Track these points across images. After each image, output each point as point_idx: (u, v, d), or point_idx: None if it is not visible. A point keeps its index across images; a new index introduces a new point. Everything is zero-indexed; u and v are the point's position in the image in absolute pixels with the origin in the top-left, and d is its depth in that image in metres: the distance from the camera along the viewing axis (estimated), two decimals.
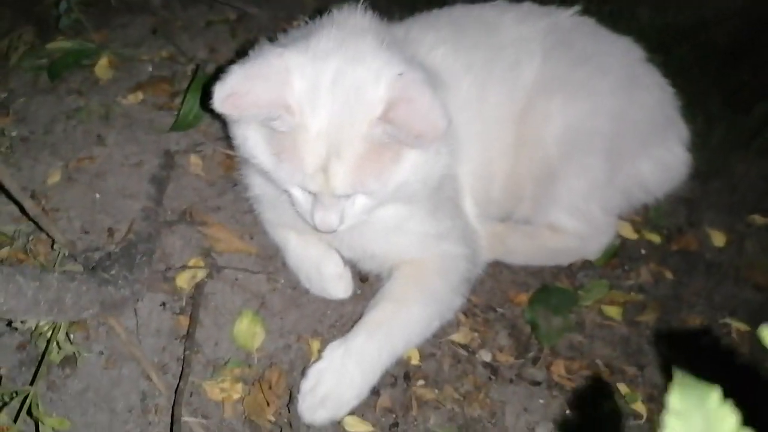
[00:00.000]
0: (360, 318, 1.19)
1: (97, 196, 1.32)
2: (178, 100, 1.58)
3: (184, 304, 1.21)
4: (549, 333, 1.32)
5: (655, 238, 1.61)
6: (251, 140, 1.03)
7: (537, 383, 1.25)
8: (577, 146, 1.36)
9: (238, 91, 0.92)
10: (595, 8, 1.64)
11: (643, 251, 1.58)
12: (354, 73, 0.95)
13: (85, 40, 1.71)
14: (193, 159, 1.49)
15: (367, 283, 1.35)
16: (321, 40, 0.99)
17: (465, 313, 1.35)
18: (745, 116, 1.98)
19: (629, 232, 1.60)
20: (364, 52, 0.98)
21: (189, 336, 1.14)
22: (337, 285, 1.26)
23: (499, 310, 1.39)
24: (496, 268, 1.48)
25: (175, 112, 1.54)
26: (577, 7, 1.49)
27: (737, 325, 1.39)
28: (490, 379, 1.24)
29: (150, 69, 1.71)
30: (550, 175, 1.39)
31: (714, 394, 0.34)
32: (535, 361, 1.29)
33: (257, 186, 1.24)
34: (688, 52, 2.17)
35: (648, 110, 1.46)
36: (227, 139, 1.54)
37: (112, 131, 1.48)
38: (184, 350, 1.12)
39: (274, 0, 2.04)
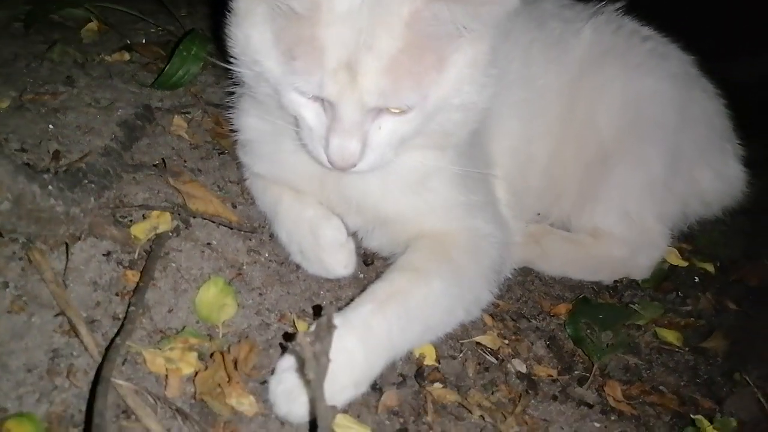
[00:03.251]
0: None
1: (51, 127, 1.06)
2: None
3: (136, 257, 0.92)
4: (598, 348, 1.04)
5: (709, 267, 1.37)
6: (256, 38, 0.82)
7: (588, 405, 0.95)
8: (635, 130, 1.17)
9: None
10: None
11: (696, 279, 1.34)
12: None
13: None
14: (177, 120, 1.25)
15: (372, 268, 1.08)
16: None
17: (492, 316, 1.07)
18: None
19: (677, 260, 1.36)
20: None
21: (138, 291, 0.85)
22: (337, 256, 0.99)
23: (533, 321, 1.11)
24: (527, 277, 1.22)
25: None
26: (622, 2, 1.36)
27: None
28: (527, 392, 0.94)
29: (143, 41, 1.53)
30: (601, 163, 1.18)
31: None
32: (582, 380, 1.00)
33: (252, 124, 1.01)
34: None
35: (708, 113, 1.30)
36: (220, 106, 1.35)
37: (85, 76, 1.26)
38: (128, 306, 0.82)
39: None
